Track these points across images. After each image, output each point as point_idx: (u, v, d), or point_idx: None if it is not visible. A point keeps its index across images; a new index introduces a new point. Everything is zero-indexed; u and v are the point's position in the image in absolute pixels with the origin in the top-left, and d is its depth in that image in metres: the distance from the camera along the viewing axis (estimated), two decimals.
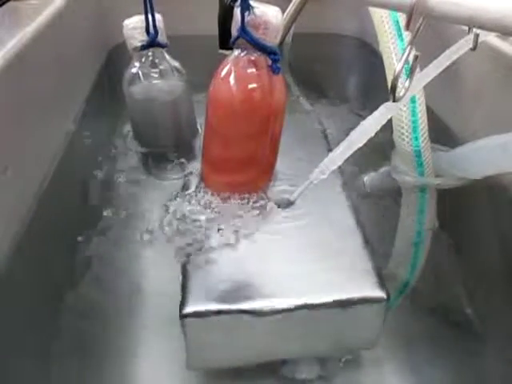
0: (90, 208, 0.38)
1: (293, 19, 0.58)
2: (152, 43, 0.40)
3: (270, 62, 0.30)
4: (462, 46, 0.33)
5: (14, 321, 0.29)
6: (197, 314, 0.24)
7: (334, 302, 0.25)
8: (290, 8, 0.57)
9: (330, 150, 0.30)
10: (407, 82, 0.27)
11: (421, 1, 0.22)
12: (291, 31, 0.62)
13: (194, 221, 0.31)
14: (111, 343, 0.29)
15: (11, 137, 0.36)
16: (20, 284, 0.32)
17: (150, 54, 0.41)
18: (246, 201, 0.32)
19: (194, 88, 0.43)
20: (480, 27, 0.21)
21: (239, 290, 0.25)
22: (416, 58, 0.26)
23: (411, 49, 0.25)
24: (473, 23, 0.21)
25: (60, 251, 0.36)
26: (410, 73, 0.27)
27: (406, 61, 0.25)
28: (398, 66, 0.25)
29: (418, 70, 0.32)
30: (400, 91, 0.27)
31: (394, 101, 0.27)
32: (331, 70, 0.68)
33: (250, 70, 0.29)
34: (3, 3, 0.48)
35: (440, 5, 0.21)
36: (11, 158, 0.35)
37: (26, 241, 0.35)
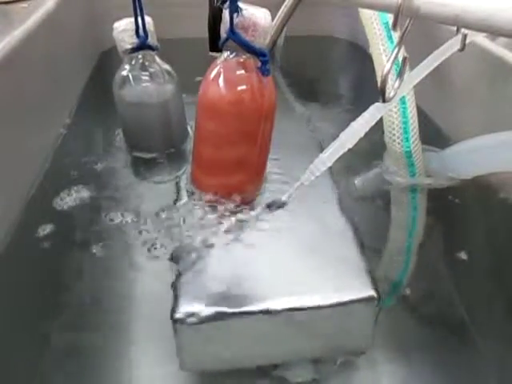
0: (82, 210, 0.37)
1: (284, 22, 0.58)
2: (142, 46, 0.40)
3: (259, 64, 0.30)
4: (451, 46, 0.33)
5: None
6: (188, 319, 0.24)
7: (326, 302, 0.25)
8: (282, 10, 0.57)
9: (321, 152, 0.30)
10: (397, 82, 0.27)
11: (407, 1, 0.22)
12: (283, 34, 0.62)
13: (186, 224, 0.30)
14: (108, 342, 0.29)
15: (0, 139, 0.35)
16: (11, 286, 0.32)
17: (140, 56, 0.41)
18: (237, 203, 0.31)
19: (185, 91, 0.43)
20: (466, 27, 0.21)
21: (231, 294, 0.25)
22: (405, 59, 0.26)
23: (400, 49, 0.25)
24: (459, 23, 0.21)
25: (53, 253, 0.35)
26: (400, 73, 0.27)
27: (395, 61, 0.25)
28: (387, 66, 0.25)
29: (407, 70, 0.32)
30: (390, 92, 0.27)
31: (383, 101, 0.27)
32: (323, 72, 0.68)
33: (239, 72, 0.29)
34: None
35: (426, 4, 0.21)
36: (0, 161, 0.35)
37: (18, 243, 0.35)
